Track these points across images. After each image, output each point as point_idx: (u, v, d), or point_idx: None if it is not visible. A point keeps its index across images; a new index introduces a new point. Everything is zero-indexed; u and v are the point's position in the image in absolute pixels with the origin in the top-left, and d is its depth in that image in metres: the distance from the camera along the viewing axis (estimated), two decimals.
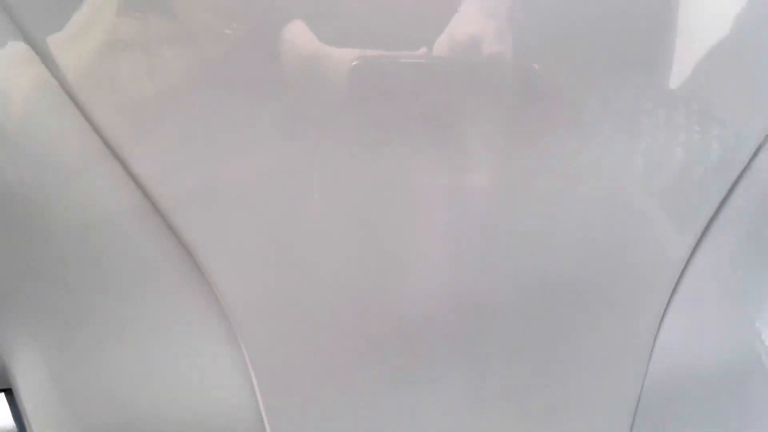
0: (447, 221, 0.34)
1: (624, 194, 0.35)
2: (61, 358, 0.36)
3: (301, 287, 0.34)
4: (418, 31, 0.31)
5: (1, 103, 0.33)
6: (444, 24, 0.31)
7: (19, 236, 0.35)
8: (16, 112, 0.33)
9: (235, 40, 0.31)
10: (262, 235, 0.33)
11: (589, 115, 0.34)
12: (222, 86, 0.32)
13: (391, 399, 0.36)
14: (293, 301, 0.34)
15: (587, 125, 0.34)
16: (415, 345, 0.35)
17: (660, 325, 0.37)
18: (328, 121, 0.32)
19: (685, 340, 0.38)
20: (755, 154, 0.36)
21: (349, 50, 0.31)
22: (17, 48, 0.32)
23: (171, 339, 0.35)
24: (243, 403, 0.34)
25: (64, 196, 0.34)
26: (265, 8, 0.31)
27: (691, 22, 0.34)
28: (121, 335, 0.35)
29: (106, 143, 0.32)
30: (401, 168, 0.33)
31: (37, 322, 0.36)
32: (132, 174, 0.32)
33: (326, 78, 0.31)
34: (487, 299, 0.35)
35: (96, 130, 0.32)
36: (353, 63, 0.31)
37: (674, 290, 0.37)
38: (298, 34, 0.31)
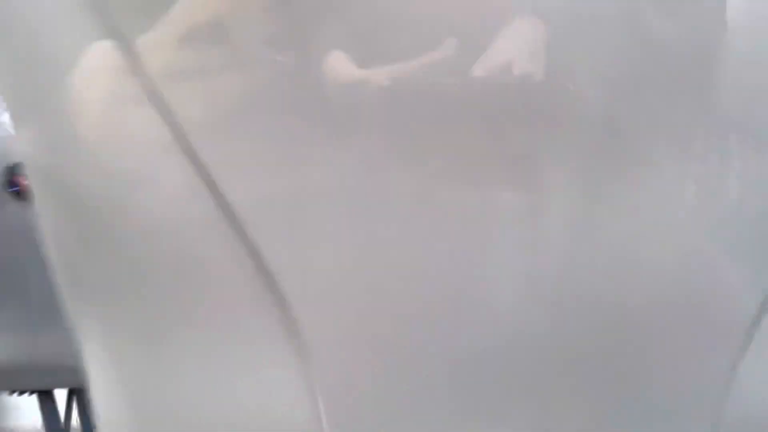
0: (524, 252, 0.33)
1: (704, 223, 0.34)
2: (130, 361, 0.37)
3: (373, 308, 0.33)
4: (463, 55, 0.31)
5: (85, 101, 0.34)
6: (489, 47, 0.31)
7: (96, 239, 0.36)
8: (99, 112, 0.34)
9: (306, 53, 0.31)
10: (336, 251, 0.33)
11: (668, 159, 0.33)
12: (301, 98, 0.32)
13: (454, 426, 0.34)
14: (364, 320, 0.33)
15: (665, 170, 0.33)
16: (482, 371, 0.34)
17: (739, 362, 0.35)
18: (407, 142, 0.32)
19: (760, 395, 0.36)
20: None
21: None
22: (102, 47, 0.33)
23: (239, 349, 0.34)
24: (307, 420, 0.34)
25: (142, 200, 0.34)
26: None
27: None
28: (188, 341, 0.35)
29: (185, 148, 0.32)
30: (474, 186, 0.32)
31: (110, 323, 0.37)
32: (208, 180, 0.32)
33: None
34: (560, 326, 0.34)
35: (175, 134, 0.32)
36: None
37: (756, 324, 0.35)
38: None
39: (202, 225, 0.33)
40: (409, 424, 0.34)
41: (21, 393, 1.41)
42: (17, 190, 1.14)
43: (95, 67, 0.33)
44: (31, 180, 0.38)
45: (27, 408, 1.57)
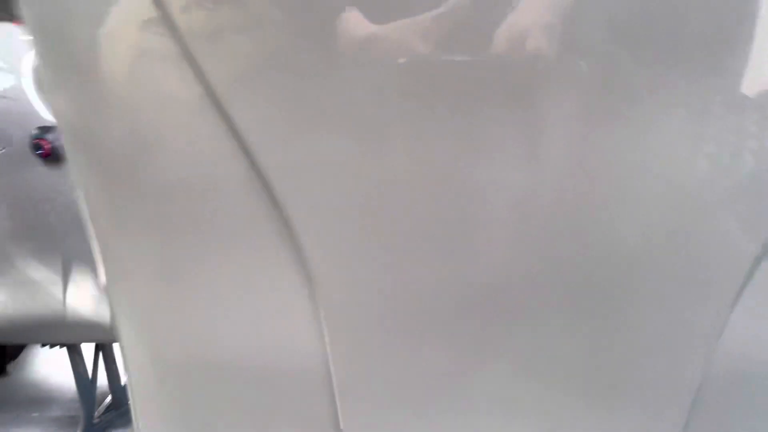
0: (517, 204, 0.35)
1: (698, 188, 0.35)
2: (159, 302, 0.40)
3: (378, 260, 0.36)
4: (481, 25, 0.32)
5: (118, 58, 0.36)
6: (501, 19, 0.32)
7: (132, 192, 0.38)
8: (131, 68, 0.36)
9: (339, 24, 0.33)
10: (352, 211, 0.35)
11: (660, 113, 0.34)
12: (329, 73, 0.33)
13: (451, 364, 0.37)
14: (371, 269, 0.36)
15: (658, 121, 0.34)
16: (479, 317, 0.37)
17: (728, 318, 0.37)
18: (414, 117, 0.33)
19: (752, 336, 0.38)
20: None
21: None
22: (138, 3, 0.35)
23: (256, 289, 0.38)
24: (313, 351, 0.37)
25: (178, 157, 0.36)
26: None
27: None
28: (212, 284, 0.38)
29: (222, 112, 0.34)
30: (473, 155, 0.34)
31: (140, 272, 0.40)
32: (241, 145, 0.35)
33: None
34: (555, 278, 0.36)
35: (211, 97, 0.34)
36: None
37: (745, 285, 0.36)
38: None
39: (232, 182, 0.36)
40: (409, 350, 0.38)
41: (52, 346, 1.47)
42: (41, 153, 1.17)
43: (128, 23, 0.35)
44: (64, 137, 0.41)
45: (57, 360, 1.64)
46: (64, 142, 0.40)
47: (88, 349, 1.49)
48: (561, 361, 0.37)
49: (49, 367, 1.83)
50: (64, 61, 0.37)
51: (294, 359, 0.39)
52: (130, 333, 0.42)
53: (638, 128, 0.34)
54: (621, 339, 0.37)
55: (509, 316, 0.37)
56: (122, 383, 1.55)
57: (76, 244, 1.22)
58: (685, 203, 0.35)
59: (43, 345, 1.48)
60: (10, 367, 1.81)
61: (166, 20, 0.34)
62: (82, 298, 1.27)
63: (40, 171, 1.19)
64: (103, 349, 1.51)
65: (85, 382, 1.46)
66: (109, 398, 1.55)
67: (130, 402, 0.44)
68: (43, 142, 1.18)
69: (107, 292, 0.42)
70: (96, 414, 1.49)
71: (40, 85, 1.27)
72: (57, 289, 1.27)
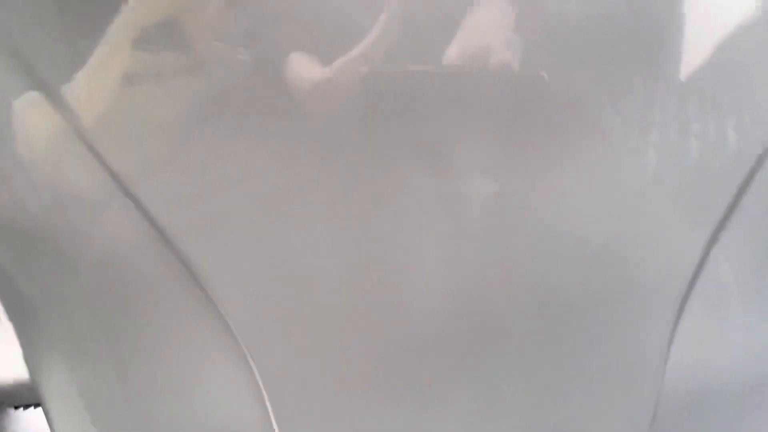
0: (449, 229, 0.33)
1: (630, 193, 0.33)
2: (85, 376, 0.39)
3: (305, 306, 0.35)
4: (422, 44, 0.31)
5: (21, 144, 0.35)
6: (449, 34, 0.31)
7: (46, 266, 0.37)
8: (33, 152, 0.35)
9: (243, 68, 0.32)
10: (265, 259, 0.34)
11: (597, 111, 0.33)
12: (228, 116, 0.32)
13: (399, 415, 0.36)
14: (299, 318, 0.35)
15: (594, 122, 0.33)
16: (421, 359, 0.35)
17: (674, 331, 0.35)
18: (329, 140, 0.32)
19: (702, 347, 0.37)
20: None
21: (351, 67, 0.31)
22: (32, 96, 0.34)
23: (185, 360, 0.36)
24: (255, 416, 0.36)
25: (82, 231, 0.36)
26: (270, 36, 0.32)
27: (703, 13, 0.33)
28: (138, 358, 0.37)
29: (119, 182, 0.34)
30: (401, 177, 0.33)
31: (65, 344, 0.39)
32: (143, 209, 0.34)
33: (327, 100, 0.32)
34: (491, 309, 0.35)
35: (108, 169, 0.34)
36: (354, 81, 0.31)
37: (688, 294, 0.35)
38: (301, 61, 0.31)
39: (140, 250, 0.35)
40: (352, 411, 0.36)
41: (26, 407, 1.42)
42: None
43: (24, 113, 0.35)
44: None
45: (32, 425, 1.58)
46: None
47: None
48: (511, 403, 0.36)
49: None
50: None
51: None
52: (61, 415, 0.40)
53: (574, 134, 0.32)
54: (569, 371, 0.36)
55: (448, 365, 0.35)
56: None
57: None
58: (622, 210, 0.33)
59: (17, 407, 1.43)
60: None
61: (63, 112, 0.33)
62: None
63: None
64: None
65: None
66: None
67: None
68: None
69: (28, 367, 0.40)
70: None
71: None
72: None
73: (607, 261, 0.34)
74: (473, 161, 0.32)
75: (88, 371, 0.39)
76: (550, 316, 0.35)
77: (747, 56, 0.33)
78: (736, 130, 0.34)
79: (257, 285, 0.34)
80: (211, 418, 0.36)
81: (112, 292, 0.36)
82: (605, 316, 0.35)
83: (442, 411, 0.36)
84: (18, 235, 0.37)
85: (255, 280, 0.34)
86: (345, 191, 0.33)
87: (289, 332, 0.35)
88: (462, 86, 0.32)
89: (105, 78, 0.33)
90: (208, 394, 0.36)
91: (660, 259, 0.35)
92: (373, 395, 0.36)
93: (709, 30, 0.33)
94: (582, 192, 0.33)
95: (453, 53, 0.31)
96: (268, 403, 0.35)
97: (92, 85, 0.33)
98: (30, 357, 0.42)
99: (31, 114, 0.34)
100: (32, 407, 1.38)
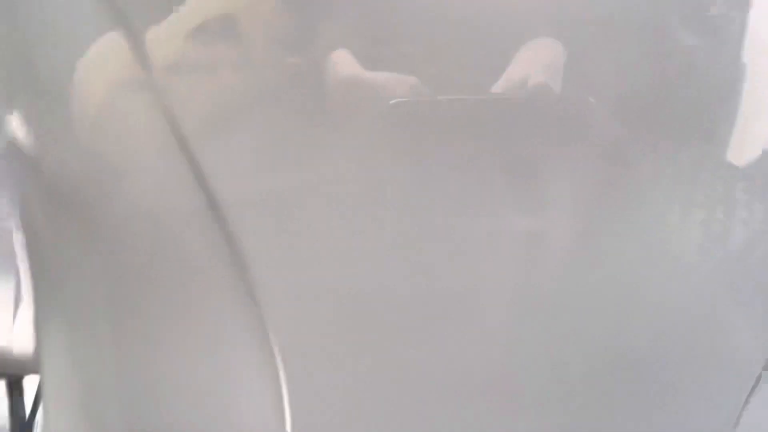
0: (523, 278, 0.32)
1: (718, 264, 0.33)
2: (92, 352, 0.36)
3: (349, 315, 0.32)
4: (474, 73, 0.30)
5: (87, 89, 0.33)
6: (498, 74, 0.30)
7: (77, 225, 0.35)
8: (101, 101, 0.34)
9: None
10: (315, 253, 0.32)
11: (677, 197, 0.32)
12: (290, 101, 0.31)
13: None
14: (340, 326, 0.33)
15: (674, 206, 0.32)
16: (467, 406, 0.33)
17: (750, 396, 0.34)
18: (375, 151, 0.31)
19: None
20: None
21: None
22: (110, 38, 0.33)
23: (209, 349, 0.34)
24: (269, 420, 0.33)
25: (127, 188, 0.34)
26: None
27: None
28: (155, 335, 0.34)
29: (180, 141, 0.32)
30: (462, 209, 0.31)
31: (77, 312, 0.37)
32: (200, 175, 0.32)
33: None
34: (550, 366, 0.33)
35: (172, 125, 0.32)
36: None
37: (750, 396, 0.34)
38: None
39: (185, 218, 0.33)
40: (370, 420, 0.34)
41: None
42: None
43: (100, 56, 0.33)
44: (14, 166, 0.37)
45: None
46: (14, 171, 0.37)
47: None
48: None
49: None
50: (29, 86, 0.34)
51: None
52: (60, 395, 0.37)
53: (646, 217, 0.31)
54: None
55: (503, 415, 0.33)
56: None
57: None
58: (695, 301, 0.33)
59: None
60: None
61: (138, 54, 0.31)
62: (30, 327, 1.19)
63: None
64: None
65: (21, 421, 1.36)
66: None
67: None
68: None
69: (37, 338, 0.38)
70: None
71: None
72: (5, 316, 1.19)
73: (683, 330, 0.33)
74: (548, 203, 0.31)
75: (94, 342, 0.36)
76: (620, 377, 0.33)
77: None
78: None
79: (302, 278, 0.32)
80: (222, 415, 0.34)
81: (147, 263, 0.34)
82: (674, 384, 0.34)
83: None
84: (59, 198, 0.35)
85: (300, 273, 0.32)
86: (415, 195, 0.31)
87: (326, 339, 0.33)
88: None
89: (182, 29, 0.31)
90: (225, 388, 0.34)
91: (735, 342, 0.34)
92: (397, 417, 0.34)
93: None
94: (660, 255, 0.32)
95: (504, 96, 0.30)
96: (287, 410, 0.33)
97: (171, 32, 0.31)
98: (40, 329, 0.39)
99: (108, 57, 0.33)
100: None
